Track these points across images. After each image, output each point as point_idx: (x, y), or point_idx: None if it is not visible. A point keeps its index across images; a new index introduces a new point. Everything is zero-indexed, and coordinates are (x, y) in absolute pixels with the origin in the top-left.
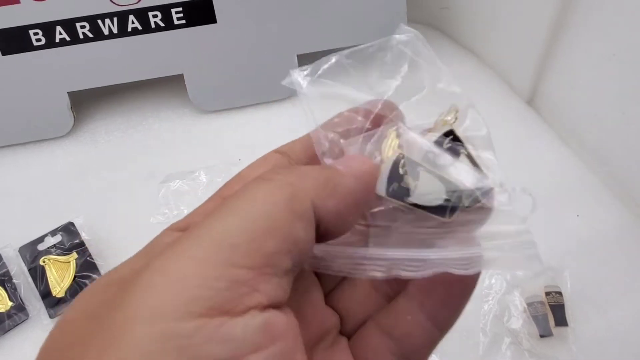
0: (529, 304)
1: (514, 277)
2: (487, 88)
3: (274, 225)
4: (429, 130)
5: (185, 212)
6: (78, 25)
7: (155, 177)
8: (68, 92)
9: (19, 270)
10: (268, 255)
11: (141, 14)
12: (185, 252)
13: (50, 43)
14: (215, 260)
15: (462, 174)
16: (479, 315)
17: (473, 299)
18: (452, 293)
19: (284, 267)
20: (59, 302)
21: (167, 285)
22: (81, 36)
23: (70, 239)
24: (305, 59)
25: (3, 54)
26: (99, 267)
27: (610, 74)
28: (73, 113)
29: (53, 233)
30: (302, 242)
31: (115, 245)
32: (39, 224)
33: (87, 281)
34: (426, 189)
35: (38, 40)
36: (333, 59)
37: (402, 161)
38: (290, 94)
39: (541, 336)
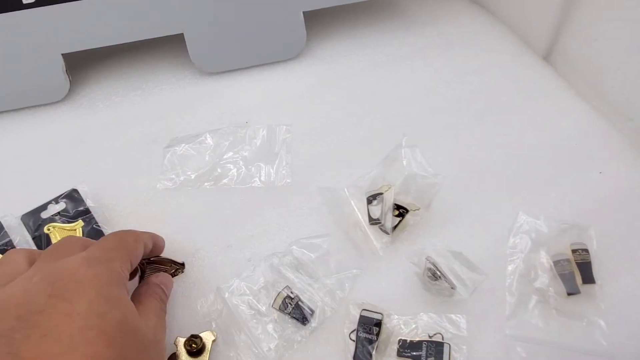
0: (555, 262)
1: (539, 235)
2: (500, 44)
3: None
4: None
5: (193, 177)
6: None
7: (157, 142)
8: (62, 54)
9: (22, 240)
10: None
11: None
12: None
13: (41, 1)
14: None
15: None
16: (504, 276)
17: (496, 258)
18: None
19: None
20: None
21: None
22: None
23: (74, 207)
24: (311, 16)
25: None
26: (106, 234)
27: (635, 24)
28: (68, 76)
29: (56, 200)
30: None
31: (121, 212)
32: (40, 192)
33: None
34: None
35: None
36: None
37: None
38: (296, 53)
39: (569, 294)
